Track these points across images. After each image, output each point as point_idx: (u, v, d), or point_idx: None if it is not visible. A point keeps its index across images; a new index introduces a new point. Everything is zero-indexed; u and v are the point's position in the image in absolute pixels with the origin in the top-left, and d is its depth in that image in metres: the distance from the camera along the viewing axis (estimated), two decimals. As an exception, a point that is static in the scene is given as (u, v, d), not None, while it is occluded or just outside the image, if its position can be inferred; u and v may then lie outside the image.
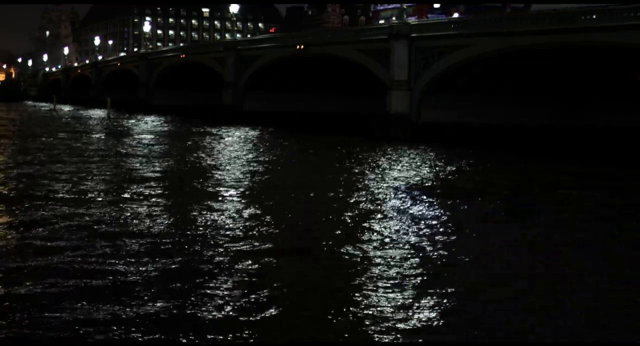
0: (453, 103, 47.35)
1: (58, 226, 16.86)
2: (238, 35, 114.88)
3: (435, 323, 10.85)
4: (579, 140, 44.14)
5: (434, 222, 18.48)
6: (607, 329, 10.96)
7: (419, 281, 12.88)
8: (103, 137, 47.91)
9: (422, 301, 11.71)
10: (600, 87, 45.56)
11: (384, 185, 25.58)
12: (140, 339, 9.97)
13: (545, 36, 40.40)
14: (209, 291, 12.03)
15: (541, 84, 46.91)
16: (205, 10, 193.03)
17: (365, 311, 11.18)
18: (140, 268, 13.34)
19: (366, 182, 26.39)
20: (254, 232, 16.81)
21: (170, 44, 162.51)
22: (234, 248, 15.05)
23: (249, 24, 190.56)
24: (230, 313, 11.05)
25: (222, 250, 14.95)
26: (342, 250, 15.13)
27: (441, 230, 17.50)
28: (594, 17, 38.50)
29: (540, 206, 22.17)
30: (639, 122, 44.06)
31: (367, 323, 10.72)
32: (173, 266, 13.57)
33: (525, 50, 42.56)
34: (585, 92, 46.31)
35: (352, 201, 21.73)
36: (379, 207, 20.85)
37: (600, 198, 24.27)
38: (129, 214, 18.70)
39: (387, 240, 16.28)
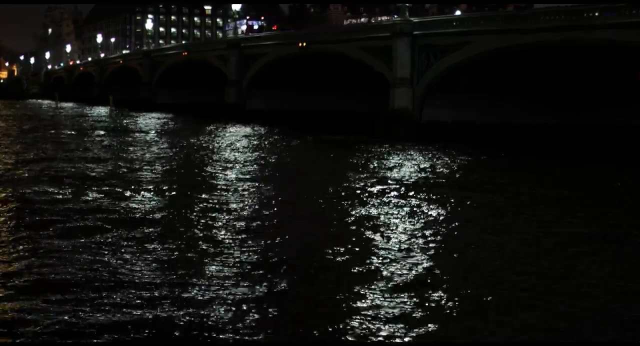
0: (455, 102, 47.35)
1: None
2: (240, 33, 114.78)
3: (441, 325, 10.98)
4: (586, 139, 44.03)
5: (447, 224, 18.59)
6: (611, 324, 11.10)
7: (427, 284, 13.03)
8: (104, 137, 47.97)
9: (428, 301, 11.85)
10: (604, 85, 45.58)
11: (391, 184, 25.67)
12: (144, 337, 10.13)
13: (548, 33, 40.38)
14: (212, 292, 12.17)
15: (544, 82, 46.91)
16: (208, 7, 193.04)
17: (372, 311, 11.31)
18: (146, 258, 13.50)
19: (372, 181, 26.46)
20: (259, 230, 16.95)
21: (172, 42, 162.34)
22: (236, 242, 15.20)
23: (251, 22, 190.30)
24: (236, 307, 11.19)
25: (223, 246, 15.10)
26: (350, 253, 15.22)
27: (457, 231, 17.63)
28: (597, 14, 38.55)
29: (545, 207, 22.26)
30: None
31: (376, 322, 10.85)
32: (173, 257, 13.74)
33: (528, 48, 42.56)
34: (589, 91, 46.28)
35: (361, 202, 21.80)
36: (386, 206, 20.94)
37: (601, 195, 24.37)
38: (136, 213, 18.83)
39: (395, 241, 16.39)
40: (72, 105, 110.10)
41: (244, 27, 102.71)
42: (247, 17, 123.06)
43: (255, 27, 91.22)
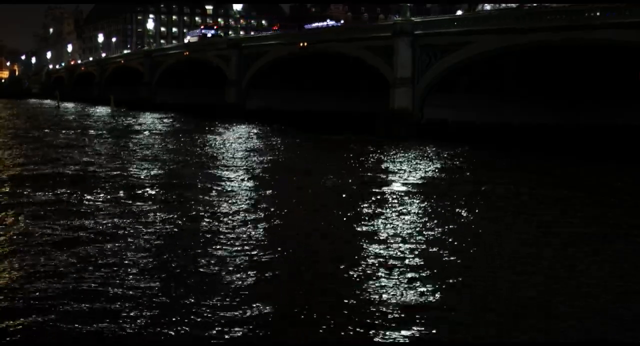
0: (455, 102, 47.41)
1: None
2: (242, 33, 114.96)
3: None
4: (586, 139, 44.01)
5: (447, 224, 18.61)
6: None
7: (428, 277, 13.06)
8: (108, 136, 48.00)
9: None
10: (604, 85, 45.58)
11: (390, 184, 25.68)
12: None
13: (548, 33, 40.39)
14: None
15: (544, 82, 46.92)
16: (209, 7, 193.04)
17: (372, 310, 11.33)
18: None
19: (371, 181, 26.48)
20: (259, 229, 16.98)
21: (174, 42, 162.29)
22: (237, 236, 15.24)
23: (252, 22, 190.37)
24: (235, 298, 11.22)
25: (224, 241, 15.13)
26: (350, 253, 15.24)
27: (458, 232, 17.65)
28: (597, 14, 38.57)
29: (545, 207, 22.26)
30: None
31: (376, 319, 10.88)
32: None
33: (528, 48, 42.56)
34: (589, 91, 46.28)
35: (359, 202, 21.80)
36: (386, 206, 20.95)
37: (601, 195, 24.39)
38: (136, 212, 18.86)
39: (395, 240, 16.40)
40: (73, 105, 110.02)
41: (193, 38, 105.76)
42: (202, 27, 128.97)
43: (209, 35, 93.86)
